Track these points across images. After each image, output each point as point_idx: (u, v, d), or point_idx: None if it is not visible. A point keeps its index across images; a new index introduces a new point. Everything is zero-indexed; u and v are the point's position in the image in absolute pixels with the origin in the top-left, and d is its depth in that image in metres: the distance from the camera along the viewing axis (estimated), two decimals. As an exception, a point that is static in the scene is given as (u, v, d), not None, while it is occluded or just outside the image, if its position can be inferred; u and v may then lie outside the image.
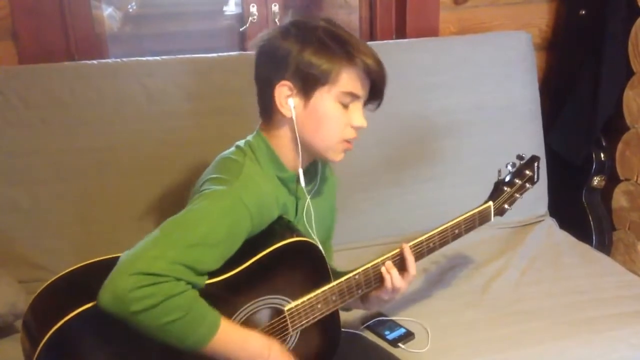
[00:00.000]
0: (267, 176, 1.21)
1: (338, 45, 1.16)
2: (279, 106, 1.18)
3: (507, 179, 1.48)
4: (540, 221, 2.07)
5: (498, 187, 1.47)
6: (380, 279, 1.28)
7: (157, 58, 1.80)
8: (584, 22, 2.12)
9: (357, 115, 1.21)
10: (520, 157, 1.46)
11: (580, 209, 2.20)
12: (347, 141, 1.23)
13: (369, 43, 2.07)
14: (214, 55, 1.82)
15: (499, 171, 1.48)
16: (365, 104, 1.24)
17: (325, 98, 1.17)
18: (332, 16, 3.05)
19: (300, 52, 1.15)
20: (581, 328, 1.51)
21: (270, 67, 1.19)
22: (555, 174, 2.14)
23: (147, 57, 1.81)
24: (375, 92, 1.23)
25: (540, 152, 2.10)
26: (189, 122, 1.76)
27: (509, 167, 1.47)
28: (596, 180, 2.18)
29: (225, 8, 3.21)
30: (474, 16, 2.18)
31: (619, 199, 2.13)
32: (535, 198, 2.09)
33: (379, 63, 1.20)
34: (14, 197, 1.67)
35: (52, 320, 1.01)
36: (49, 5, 1.79)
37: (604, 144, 2.16)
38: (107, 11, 2.82)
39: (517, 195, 1.49)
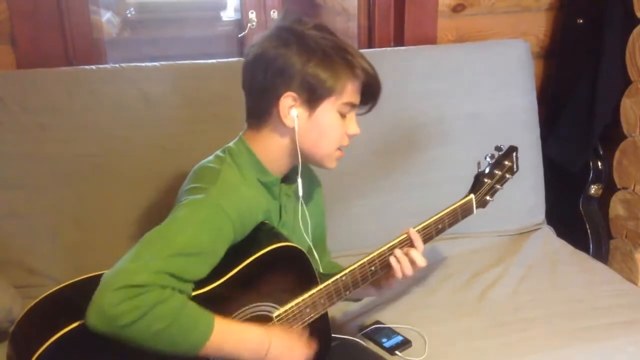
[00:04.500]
0: (248, 181, 1.21)
1: (339, 57, 1.18)
2: (282, 116, 1.18)
3: (487, 170, 1.48)
4: (537, 229, 2.06)
5: (478, 179, 1.47)
6: (366, 278, 1.29)
7: (156, 64, 1.80)
8: (581, 31, 2.12)
9: (353, 123, 1.25)
10: (498, 149, 1.46)
11: (577, 217, 2.20)
12: (342, 149, 1.26)
13: (367, 50, 2.11)
14: (213, 61, 1.82)
15: (479, 163, 1.48)
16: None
17: (329, 109, 1.19)
18: (331, 23, 3.07)
19: (306, 64, 1.16)
20: (579, 337, 1.51)
21: (273, 76, 1.18)
22: (552, 182, 2.14)
23: (145, 62, 1.81)
24: (370, 98, 1.26)
25: (538, 161, 2.10)
26: (187, 128, 1.76)
27: (488, 159, 1.47)
28: (593, 189, 2.18)
29: (224, 14, 3.22)
30: (472, 24, 2.19)
31: (616, 207, 2.13)
32: (533, 206, 2.10)
33: (374, 71, 1.23)
34: (11, 202, 1.66)
35: (38, 341, 1.00)
36: (48, 10, 1.79)
37: (601, 152, 2.16)
38: (106, 16, 2.83)
39: (498, 187, 1.49)
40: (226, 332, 1.08)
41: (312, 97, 1.18)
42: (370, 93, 1.24)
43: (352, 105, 1.22)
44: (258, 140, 1.23)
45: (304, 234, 1.32)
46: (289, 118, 1.18)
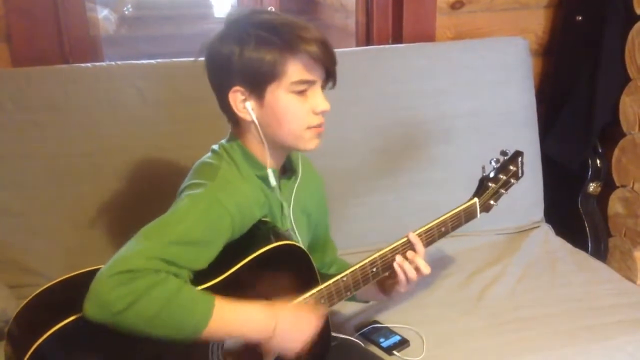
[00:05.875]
0: (246, 177, 1.20)
1: (277, 37, 1.12)
2: (237, 112, 1.17)
3: (492, 174, 1.47)
4: (536, 227, 2.06)
5: (483, 183, 1.46)
6: (367, 279, 1.28)
7: (152, 61, 1.79)
8: (580, 28, 2.11)
9: (318, 100, 1.17)
10: (504, 153, 1.45)
11: (576, 216, 2.19)
12: (315, 127, 1.19)
13: (365, 48, 2.10)
14: (210, 58, 1.81)
15: (483, 167, 1.47)
16: (324, 86, 1.21)
17: (278, 93, 1.15)
18: (329, 20, 3.06)
19: (241, 53, 1.12)
20: (578, 336, 1.51)
21: (218, 74, 1.18)
22: (551, 180, 2.14)
23: (142, 59, 1.80)
24: (327, 73, 1.19)
25: (537, 158, 2.09)
26: (184, 125, 1.75)
27: (493, 163, 1.46)
28: (592, 187, 2.17)
29: (217, 11, 3.22)
30: (471, 21, 2.18)
31: (615, 205, 2.13)
32: (531, 204, 2.09)
33: (323, 45, 1.14)
34: (6, 201, 1.65)
35: (36, 334, 0.99)
36: (43, 8, 1.78)
37: (600, 150, 2.16)
38: (103, 13, 2.82)
39: (503, 191, 1.48)
40: (228, 313, 1.06)
41: (255, 85, 1.14)
42: (324, 67, 1.17)
43: (307, 83, 1.15)
44: (241, 136, 1.22)
45: (296, 233, 1.30)
46: (245, 112, 1.16)
